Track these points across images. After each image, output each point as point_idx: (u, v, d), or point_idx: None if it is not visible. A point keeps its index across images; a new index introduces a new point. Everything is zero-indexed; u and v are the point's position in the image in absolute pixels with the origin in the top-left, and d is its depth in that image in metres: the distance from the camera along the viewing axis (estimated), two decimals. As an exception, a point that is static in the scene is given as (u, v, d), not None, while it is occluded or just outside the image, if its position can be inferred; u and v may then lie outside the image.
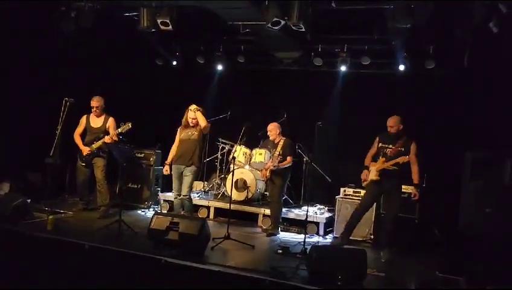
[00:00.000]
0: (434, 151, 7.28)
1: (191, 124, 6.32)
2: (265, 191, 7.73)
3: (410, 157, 5.75)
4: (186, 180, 6.22)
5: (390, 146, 5.90)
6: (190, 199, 6.38)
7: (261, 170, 7.01)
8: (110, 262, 5.00)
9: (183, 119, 6.40)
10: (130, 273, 4.87)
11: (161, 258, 4.84)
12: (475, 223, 4.94)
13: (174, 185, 6.39)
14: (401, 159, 5.68)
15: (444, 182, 6.83)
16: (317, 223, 6.95)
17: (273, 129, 6.91)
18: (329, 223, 7.03)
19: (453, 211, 5.60)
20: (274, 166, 6.65)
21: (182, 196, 6.29)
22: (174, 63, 9.07)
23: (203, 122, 6.25)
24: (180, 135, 6.44)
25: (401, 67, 7.62)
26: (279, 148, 6.77)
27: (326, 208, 7.28)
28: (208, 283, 4.66)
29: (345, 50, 7.82)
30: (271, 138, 6.97)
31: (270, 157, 6.85)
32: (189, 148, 6.26)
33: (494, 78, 6.63)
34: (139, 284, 4.78)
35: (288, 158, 6.71)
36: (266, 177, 6.78)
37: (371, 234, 6.62)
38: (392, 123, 5.88)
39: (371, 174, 5.92)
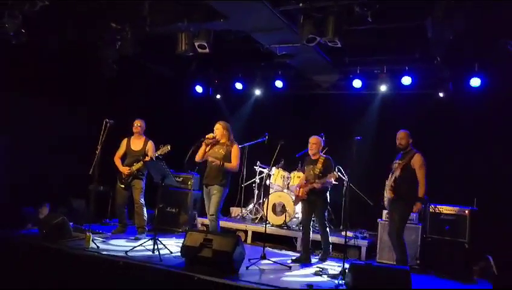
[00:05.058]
0: (487, 173, 6.87)
1: (216, 139, 6.14)
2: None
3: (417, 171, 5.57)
4: (213, 199, 5.98)
5: (398, 161, 5.77)
6: (215, 220, 6.01)
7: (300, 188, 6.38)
8: (143, 279, 4.94)
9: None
10: (163, 290, 4.78)
11: (194, 275, 4.73)
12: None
13: (206, 206, 6.20)
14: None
15: (500, 204, 6.39)
16: (359, 248, 6.63)
17: (315, 143, 6.30)
18: (372, 248, 6.68)
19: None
20: (321, 185, 6.05)
21: (208, 216, 6.08)
22: (213, 90, 9.23)
23: (234, 161, 6.08)
24: (208, 150, 6.18)
25: (445, 87, 7.34)
26: (319, 165, 6.20)
27: (369, 233, 6.95)
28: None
29: (385, 71, 7.68)
30: (311, 152, 6.33)
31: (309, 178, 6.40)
32: (215, 167, 6.03)
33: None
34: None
35: (330, 175, 6.09)
36: (301, 196, 6.22)
37: (417, 259, 6.22)
38: (400, 136, 5.79)
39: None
